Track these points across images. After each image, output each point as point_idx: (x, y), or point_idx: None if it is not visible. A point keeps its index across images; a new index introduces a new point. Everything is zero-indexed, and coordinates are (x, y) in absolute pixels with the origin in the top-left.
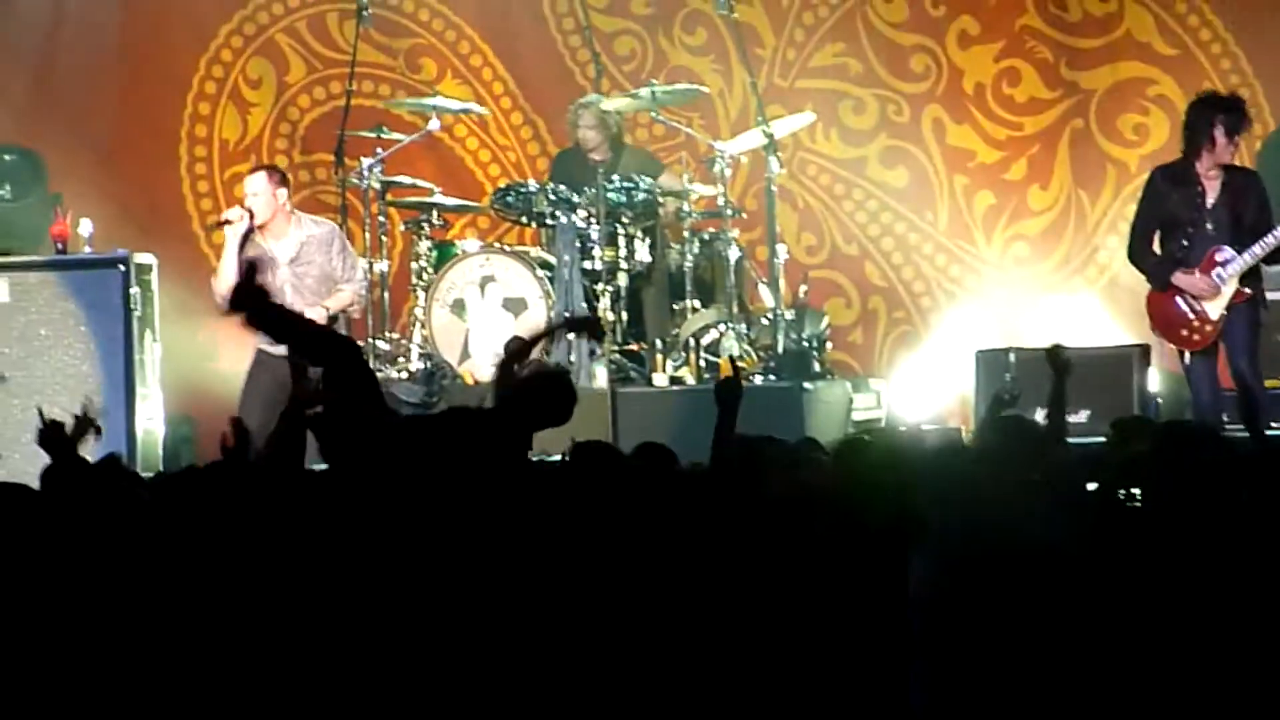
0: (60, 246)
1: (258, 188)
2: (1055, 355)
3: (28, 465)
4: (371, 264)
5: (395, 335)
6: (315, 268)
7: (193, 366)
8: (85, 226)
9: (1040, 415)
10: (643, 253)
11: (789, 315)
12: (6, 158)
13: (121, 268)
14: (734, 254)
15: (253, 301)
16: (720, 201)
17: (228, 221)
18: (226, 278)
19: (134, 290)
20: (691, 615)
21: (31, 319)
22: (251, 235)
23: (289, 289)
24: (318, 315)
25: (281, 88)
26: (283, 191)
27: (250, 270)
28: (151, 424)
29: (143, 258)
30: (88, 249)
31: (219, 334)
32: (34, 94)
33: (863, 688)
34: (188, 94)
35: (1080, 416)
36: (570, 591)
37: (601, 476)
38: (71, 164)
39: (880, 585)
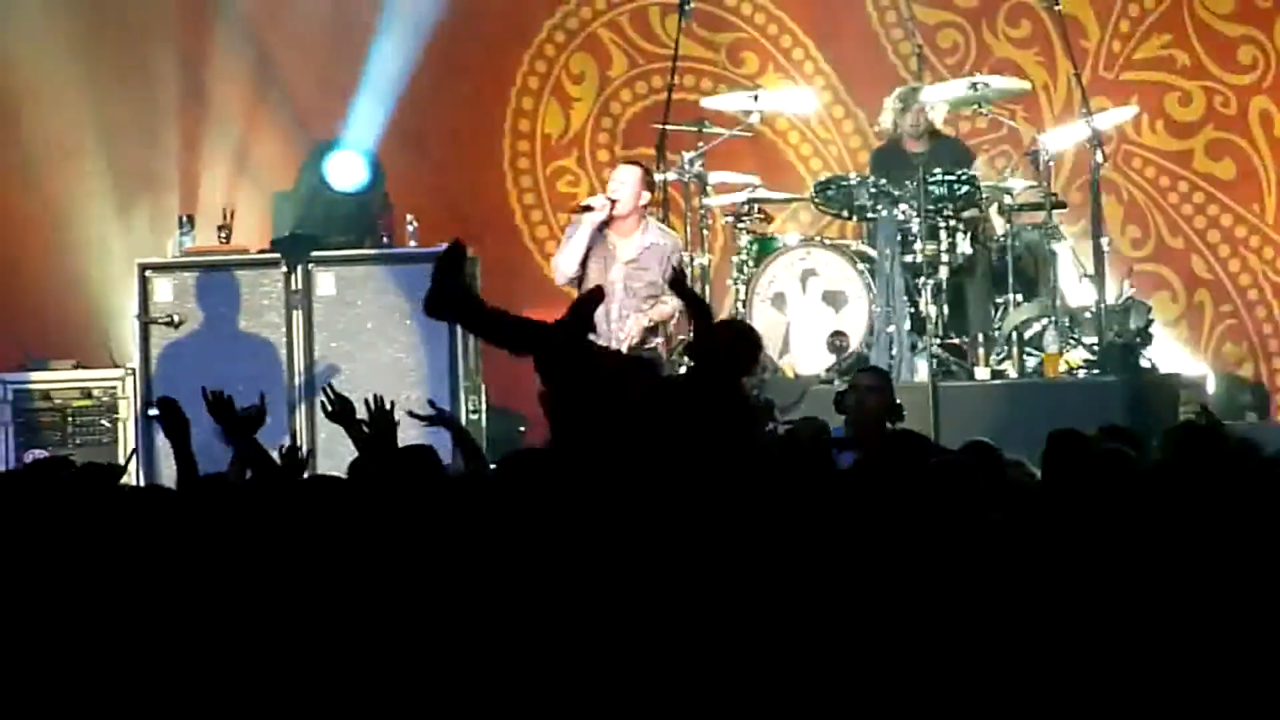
0: (386, 240)
1: (626, 178)
2: None
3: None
4: (692, 258)
5: None
6: (650, 274)
7: (514, 358)
8: (410, 221)
9: None
10: (964, 246)
11: (1113, 308)
12: (343, 151)
13: None
14: (1057, 247)
15: (454, 284)
16: (1043, 194)
17: (589, 208)
18: (570, 256)
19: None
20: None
21: (357, 312)
22: (603, 227)
23: (620, 287)
24: (638, 323)
25: (604, 82)
26: (646, 194)
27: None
28: (476, 417)
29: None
30: (412, 243)
31: None
32: (357, 90)
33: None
34: (511, 89)
35: None
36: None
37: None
38: (396, 158)
39: (1234, 584)
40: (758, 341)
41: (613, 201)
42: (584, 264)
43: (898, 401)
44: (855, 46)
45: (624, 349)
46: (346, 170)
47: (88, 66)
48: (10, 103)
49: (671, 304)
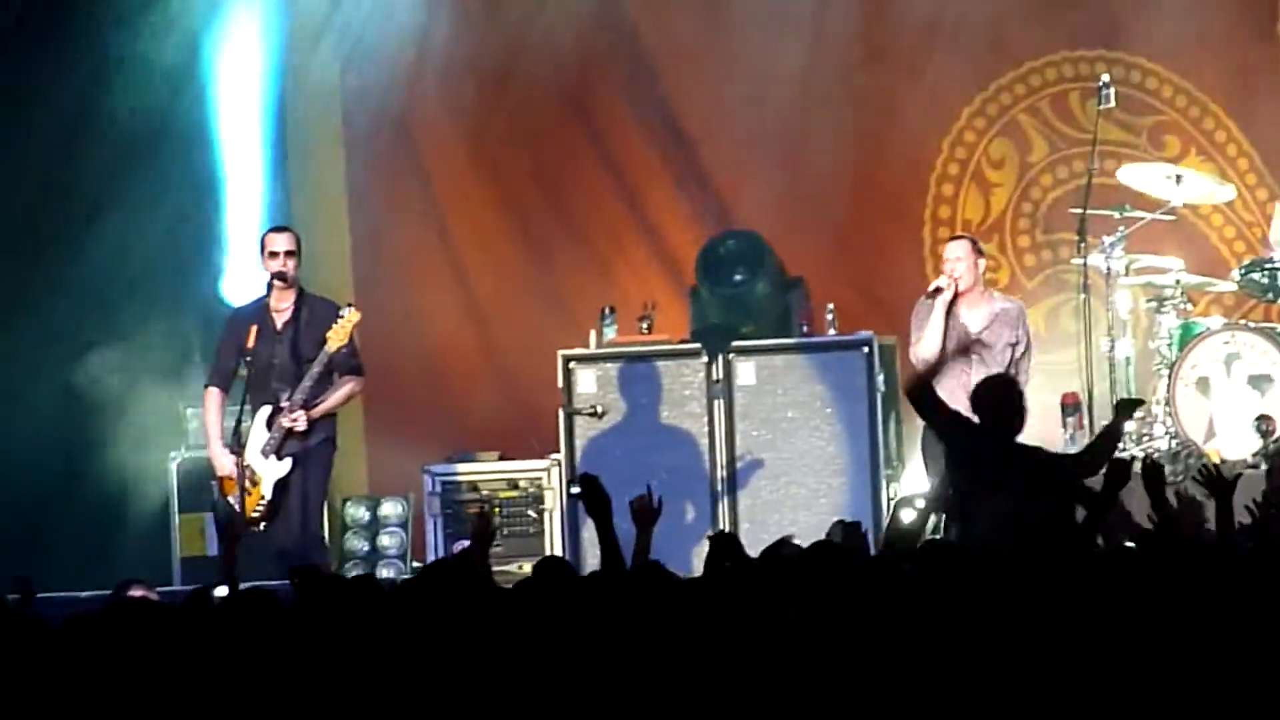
0: (805, 329)
1: (960, 253)
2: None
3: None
4: (1114, 343)
5: (1140, 415)
6: (1002, 341)
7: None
8: (829, 309)
9: None
10: None
11: None
12: (730, 243)
13: (866, 349)
14: None
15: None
16: None
17: (939, 290)
18: (931, 342)
19: (878, 371)
20: None
21: (779, 401)
22: (953, 305)
23: (975, 359)
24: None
25: (1024, 167)
26: (981, 262)
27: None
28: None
29: (886, 339)
30: (832, 331)
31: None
32: (777, 180)
33: None
34: (930, 175)
35: None
36: None
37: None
38: (814, 246)
39: None
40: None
41: (955, 280)
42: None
43: None
44: (1278, 127)
45: None
46: (730, 263)
47: (507, 162)
48: (436, 206)
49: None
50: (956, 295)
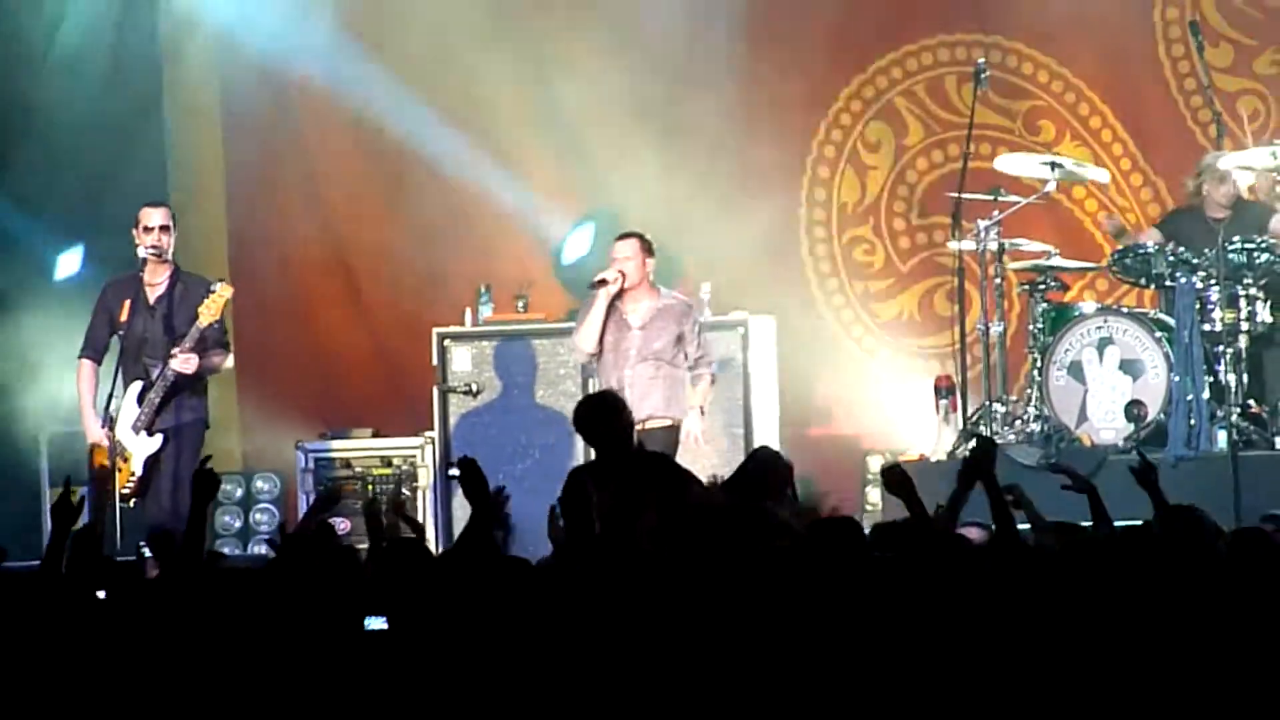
0: None
1: (629, 252)
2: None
3: None
4: (988, 326)
5: (1012, 398)
6: (665, 336)
7: (810, 427)
8: (704, 289)
9: None
10: (1264, 314)
11: None
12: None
13: (740, 330)
14: None
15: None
16: None
17: (604, 282)
18: (589, 333)
19: (752, 351)
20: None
21: None
22: (618, 300)
23: (633, 352)
24: (694, 420)
25: (900, 151)
26: (650, 261)
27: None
28: None
29: (761, 319)
30: (708, 311)
31: (832, 397)
32: (654, 160)
33: None
34: (807, 157)
35: None
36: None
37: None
38: (690, 227)
39: None
40: (786, 470)
41: (623, 274)
42: (601, 338)
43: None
44: (1153, 113)
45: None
46: (576, 244)
47: (385, 140)
48: (314, 182)
49: (707, 378)
50: (622, 291)
